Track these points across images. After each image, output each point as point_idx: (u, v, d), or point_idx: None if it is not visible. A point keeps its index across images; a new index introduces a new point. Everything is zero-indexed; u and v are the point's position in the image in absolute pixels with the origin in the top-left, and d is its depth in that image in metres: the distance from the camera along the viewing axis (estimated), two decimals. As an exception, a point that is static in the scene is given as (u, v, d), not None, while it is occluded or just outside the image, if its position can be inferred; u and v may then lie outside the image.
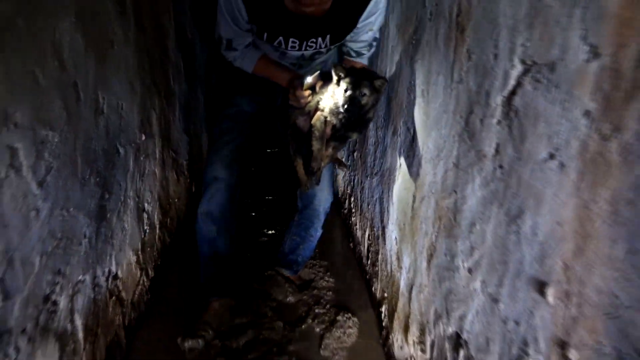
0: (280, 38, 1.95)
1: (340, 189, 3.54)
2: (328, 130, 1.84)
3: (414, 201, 1.67)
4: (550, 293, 0.81)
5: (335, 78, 1.73)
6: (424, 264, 1.53)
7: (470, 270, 1.16)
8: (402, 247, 1.80)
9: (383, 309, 2.06)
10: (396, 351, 1.82)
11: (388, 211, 2.06)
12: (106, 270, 1.79)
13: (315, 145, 1.88)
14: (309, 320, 2.17)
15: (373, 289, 2.30)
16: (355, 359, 1.95)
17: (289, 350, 1.99)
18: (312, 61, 2.13)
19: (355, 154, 2.97)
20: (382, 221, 2.17)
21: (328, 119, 1.81)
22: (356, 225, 2.82)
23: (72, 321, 1.50)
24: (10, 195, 1.15)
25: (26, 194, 1.22)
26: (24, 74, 1.21)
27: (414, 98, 1.70)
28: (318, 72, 1.86)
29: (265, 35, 1.94)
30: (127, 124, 2.00)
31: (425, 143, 1.56)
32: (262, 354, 1.96)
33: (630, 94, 0.62)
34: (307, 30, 1.91)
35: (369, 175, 2.50)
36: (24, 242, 1.21)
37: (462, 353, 1.21)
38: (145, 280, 2.24)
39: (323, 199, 2.30)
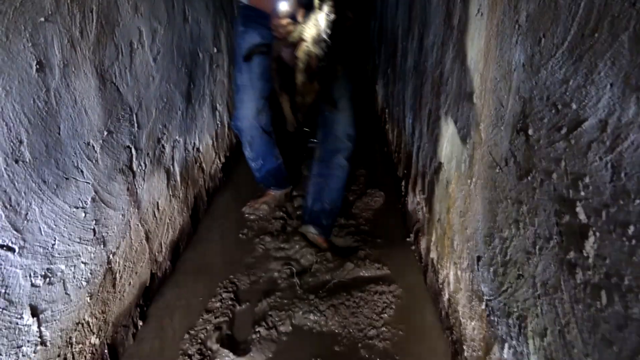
0: None
1: (379, 106, 4.05)
2: (313, 62, 1.75)
3: (421, 86, 2.18)
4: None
5: (317, 1, 1.66)
6: (425, 129, 2.05)
7: (457, 123, 1.68)
8: (414, 125, 2.32)
9: (402, 183, 2.61)
10: (409, 206, 2.37)
11: (404, 102, 2.57)
12: (192, 141, 2.44)
13: (300, 78, 1.78)
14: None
15: (397, 171, 2.84)
16: (379, 215, 2.52)
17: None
18: None
19: (388, 70, 3.46)
20: (403, 113, 2.68)
21: (312, 49, 1.73)
22: (388, 130, 3.34)
23: (172, 165, 2.15)
24: (139, 61, 1.77)
25: (147, 63, 1.85)
26: (144, -19, 1.81)
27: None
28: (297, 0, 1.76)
29: None
30: (204, 35, 2.61)
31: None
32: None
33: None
34: None
35: (396, 82, 3.00)
36: (147, 94, 1.84)
37: (440, 174, 1.75)
38: (218, 161, 2.90)
39: (344, 122, 2.16)
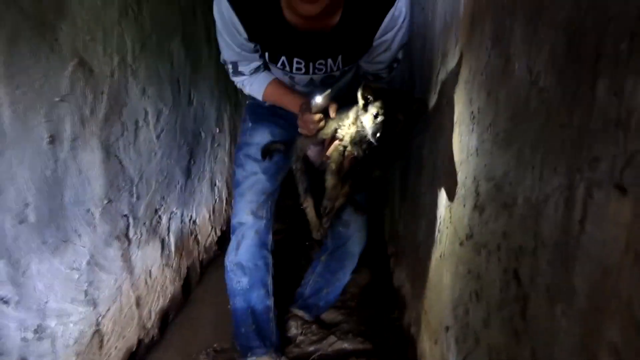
0: (283, 58, 1.69)
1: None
2: (347, 163, 1.61)
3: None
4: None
5: (361, 102, 1.49)
6: (409, 208, 2.16)
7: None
8: (401, 205, 2.43)
9: (390, 260, 2.68)
10: (395, 283, 2.43)
11: (394, 184, 2.71)
12: (189, 214, 2.56)
13: (330, 180, 1.63)
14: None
15: (387, 249, 2.92)
16: (366, 292, 2.57)
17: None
18: (324, 87, 1.73)
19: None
20: (392, 194, 2.80)
21: (348, 149, 1.58)
22: (380, 209, 3.46)
23: (168, 235, 2.26)
24: (142, 138, 1.94)
25: (150, 140, 2.01)
26: (154, 69, 2.02)
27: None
28: (329, 91, 1.63)
29: (267, 55, 1.71)
30: (207, 116, 2.81)
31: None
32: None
33: None
34: (313, 48, 1.65)
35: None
36: (148, 168, 1.99)
37: (420, 251, 1.84)
38: (214, 234, 3.00)
39: (359, 239, 2.10)
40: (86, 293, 1.53)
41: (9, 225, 1.18)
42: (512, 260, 0.91)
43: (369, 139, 1.47)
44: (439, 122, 1.57)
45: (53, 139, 1.34)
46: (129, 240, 1.84)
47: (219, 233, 3.10)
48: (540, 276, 0.79)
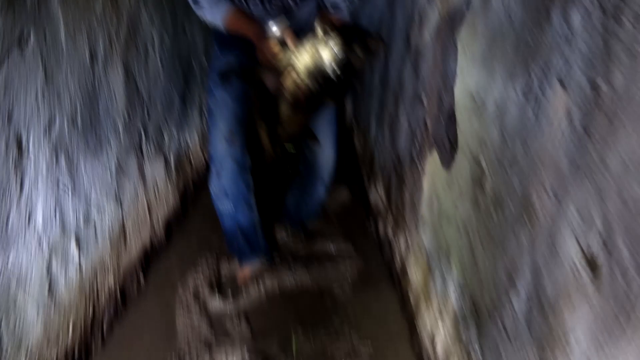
0: None
1: (347, 120, 4.48)
2: (302, 94, 1.62)
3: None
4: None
5: (320, 33, 1.51)
6: (386, 132, 2.46)
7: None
8: (377, 130, 2.73)
9: (365, 180, 3.00)
10: (370, 198, 2.76)
11: (370, 113, 2.99)
12: (185, 138, 2.78)
13: (285, 110, 1.67)
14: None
15: (362, 172, 3.24)
16: (345, 207, 2.90)
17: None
18: None
19: (357, 86, 3.89)
20: (369, 122, 3.09)
21: (305, 81, 1.58)
22: (355, 139, 3.76)
23: (169, 154, 2.49)
24: (151, 62, 2.13)
25: (156, 65, 2.22)
26: (159, -4, 2.18)
27: None
28: (283, 16, 1.66)
29: None
30: (197, 46, 2.99)
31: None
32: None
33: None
34: None
35: (364, 97, 3.43)
36: (155, 91, 2.20)
37: (397, 165, 2.14)
38: (203, 159, 3.24)
39: (326, 161, 2.17)
40: (115, 193, 1.78)
41: (65, 126, 1.40)
42: (478, 152, 1.21)
43: (325, 74, 1.50)
44: (422, 52, 1.84)
45: (92, 57, 1.54)
46: (143, 154, 2.07)
47: (208, 159, 3.34)
48: (498, 159, 1.09)
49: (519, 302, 1.00)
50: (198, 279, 2.05)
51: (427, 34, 1.78)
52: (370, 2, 3.11)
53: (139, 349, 1.71)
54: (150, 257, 2.17)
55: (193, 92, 2.92)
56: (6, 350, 1.17)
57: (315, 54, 1.51)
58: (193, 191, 2.94)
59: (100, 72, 1.60)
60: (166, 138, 2.40)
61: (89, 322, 1.59)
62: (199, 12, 1.80)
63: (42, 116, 1.28)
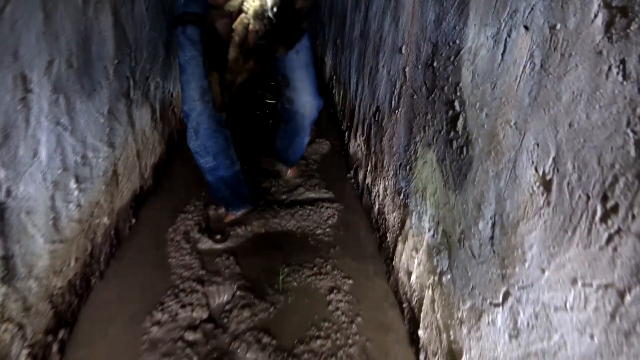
0: None
1: (327, 75, 4.54)
2: (251, 38, 1.62)
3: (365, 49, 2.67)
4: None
5: None
6: (367, 84, 2.55)
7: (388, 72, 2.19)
8: (358, 83, 2.82)
9: (346, 133, 3.11)
10: (350, 150, 2.88)
11: (351, 66, 3.07)
12: (168, 87, 2.83)
13: (232, 53, 1.67)
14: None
15: (342, 126, 3.34)
16: (325, 158, 3.01)
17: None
18: None
19: (337, 40, 3.94)
20: (349, 75, 3.17)
21: (251, 24, 1.59)
22: (335, 93, 3.84)
23: (155, 103, 2.55)
24: (137, 8, 2.16)
25: (142, 12, 2.24)
26: None
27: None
28: None
29: None
30: None
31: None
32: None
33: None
34: None
35: (344, 50, 3.49)
36: (140, 38, 2.23)
37: (377, 115, 2.25)
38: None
39: (307, 108, 2.21)
40: (108, 136, 1.85)
41: (62, 68, 1.46)
42: (453, 95, 1.33)
43: (269, 14, 1.51)
44: (401, 2, 1.92)
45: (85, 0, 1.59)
46: (131, 100, 2.13)
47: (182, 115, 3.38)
48: (469, 100, 1.21)
49: (484, 228, 1.14)
50: (187, 222, 2.17)
51: (408, -14, 1.86)
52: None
53: (135, 283, 1.83)
54: (140, 201, 2.26)
55: (175, 43, 2.94)
56: (20, 275, 1.27)
57: None
58: (177, 140, 3.01)
59: (92, 16, 1.65)
60: (152, 86, 2.45)
61: (88, 256, 1.70)
62: None
63: (42, 56, 1.34)
